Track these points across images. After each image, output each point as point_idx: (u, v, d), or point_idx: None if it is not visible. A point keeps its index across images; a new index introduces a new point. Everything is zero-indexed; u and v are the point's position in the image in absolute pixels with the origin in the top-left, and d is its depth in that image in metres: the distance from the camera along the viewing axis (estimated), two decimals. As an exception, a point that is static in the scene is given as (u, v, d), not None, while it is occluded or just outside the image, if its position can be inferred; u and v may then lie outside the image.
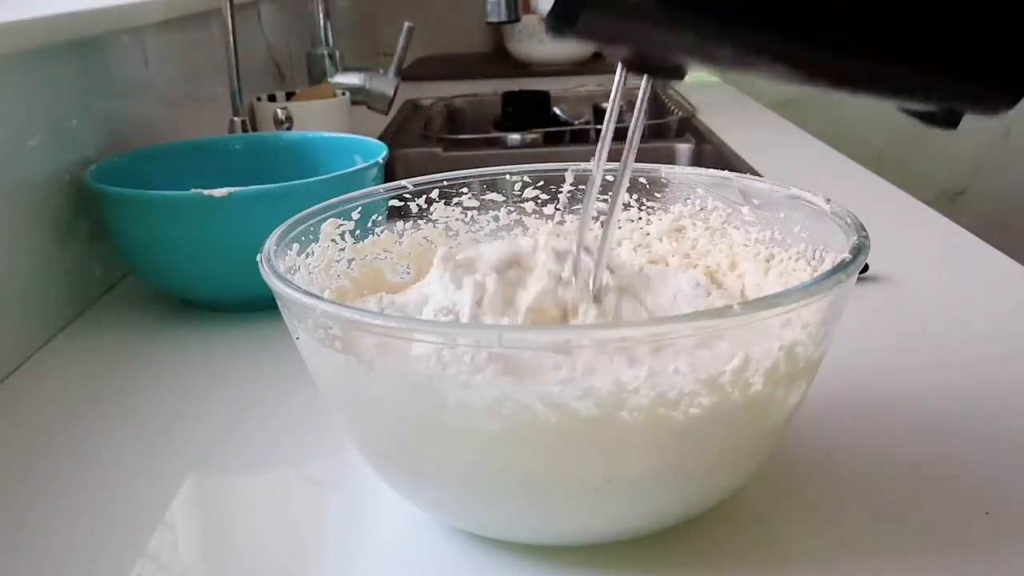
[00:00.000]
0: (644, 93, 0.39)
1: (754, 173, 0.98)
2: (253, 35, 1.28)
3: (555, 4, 0.30)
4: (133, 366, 0.63)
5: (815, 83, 0.33)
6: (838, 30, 0.31)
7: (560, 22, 0.30)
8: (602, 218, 0.55)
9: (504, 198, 0.55)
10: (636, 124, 0.40)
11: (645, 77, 0.37)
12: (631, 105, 0.40)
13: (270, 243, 0.44)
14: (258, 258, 0.42)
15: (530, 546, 0.42)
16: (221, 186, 0.64)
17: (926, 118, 0.34)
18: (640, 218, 0.55)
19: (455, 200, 0.54)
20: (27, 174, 0.66)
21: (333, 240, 0.49)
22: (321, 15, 1.29)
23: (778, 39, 0.31)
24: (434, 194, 0.54)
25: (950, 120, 0.34)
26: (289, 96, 1.15)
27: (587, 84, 1.61)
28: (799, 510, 0.44)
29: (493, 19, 1.14)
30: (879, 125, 1.98)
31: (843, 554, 0.41)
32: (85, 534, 0.45)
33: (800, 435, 0.48)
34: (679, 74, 0.36)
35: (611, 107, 0.42)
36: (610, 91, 0.41)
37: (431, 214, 0.54)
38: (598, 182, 0.44)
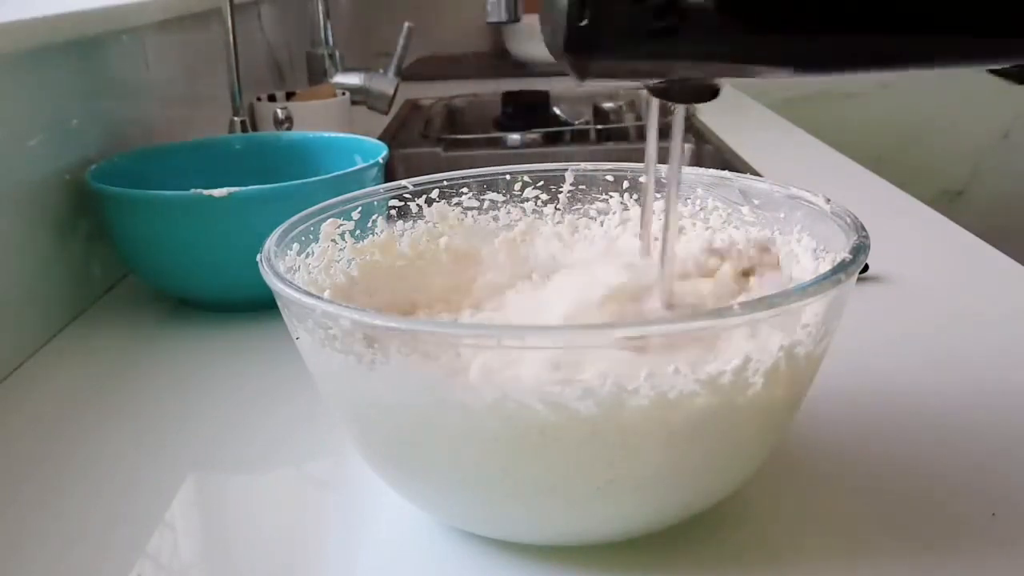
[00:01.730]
0: (679, 122, 0.38)
1: (754, 173, 0.98)
2: (253, 35, 1.28)
3: (568, 42, 0.30)
4: (133, 366, 0.63)
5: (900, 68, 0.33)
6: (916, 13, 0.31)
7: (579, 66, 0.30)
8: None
9: (504, 198, 0.55)
10: (675, 155, 0.39)
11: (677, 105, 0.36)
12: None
13: (270, 243, 0.44)
14: (258, 258, 0.42)
15: (530, 546, 0.42)
16: (221, 186, 0.64)
17: (1012, 75, 0.34)
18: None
19: (455, 200, 0.54)
20: (27, 174, 0.66)
21: (333, 240, 0.49)
22: (321, 15, 1.29)
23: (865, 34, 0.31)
24: (434, 194, 0.54)
25: None
26: (289, 96, 1.15)
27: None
28: (800, 510, 0.44)
29: (493, 19, 1.14)
30: (879, 125, 1.98)
31: (845, 555, 0.41)
32: (85, 534, 0.45)
33: (800, 435, 0.48)
34: (713, 94, 0.35)
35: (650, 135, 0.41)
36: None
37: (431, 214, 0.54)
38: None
